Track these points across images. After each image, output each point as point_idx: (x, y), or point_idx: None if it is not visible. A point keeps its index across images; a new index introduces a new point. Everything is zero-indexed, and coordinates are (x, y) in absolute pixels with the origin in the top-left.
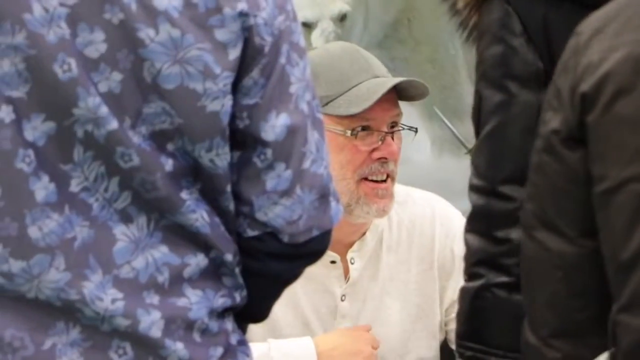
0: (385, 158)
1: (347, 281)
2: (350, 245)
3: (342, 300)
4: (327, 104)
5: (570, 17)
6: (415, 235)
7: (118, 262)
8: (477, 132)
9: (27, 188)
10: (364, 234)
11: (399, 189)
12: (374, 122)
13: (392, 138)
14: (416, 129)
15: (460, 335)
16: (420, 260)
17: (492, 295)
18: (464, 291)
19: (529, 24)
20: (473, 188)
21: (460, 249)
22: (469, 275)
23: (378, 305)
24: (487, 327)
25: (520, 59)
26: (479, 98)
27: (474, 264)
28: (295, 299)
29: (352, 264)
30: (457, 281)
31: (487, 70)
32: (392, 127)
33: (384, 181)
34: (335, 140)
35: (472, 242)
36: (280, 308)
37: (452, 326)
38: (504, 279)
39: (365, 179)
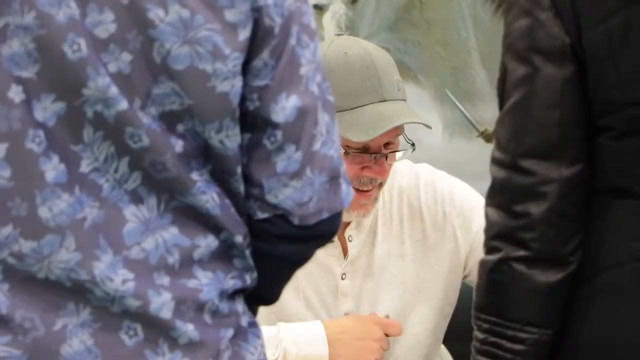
0: (374, 177)
1: (346, 259)
2: (347, 224)
3: (342, 279)
4: None
5: None
6: (404, 207)
7: (128, 243)
8: (501, 105)
9: (37, 168)
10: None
11: None
12: (372, 144)
13: (387, 157)
14: (413, 144)
15: (478, 308)
16: (412, 231)
17: (510, 269)
18: (482, 264)
19: None
20: (494, 161)
21: (451, 206)
22: (488, 248)
23: (378, 282)
24: (504, 300)
25: (546, 32)
26: (504, 70)
27: (492, 237)
28: (295, 280)
29: (350, 241)
30: (465, 233)
31: (513, 43)
32: (388, 145)
33: (368, 191)
34: None
35: (491, 216)
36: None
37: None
38: (522, 253)
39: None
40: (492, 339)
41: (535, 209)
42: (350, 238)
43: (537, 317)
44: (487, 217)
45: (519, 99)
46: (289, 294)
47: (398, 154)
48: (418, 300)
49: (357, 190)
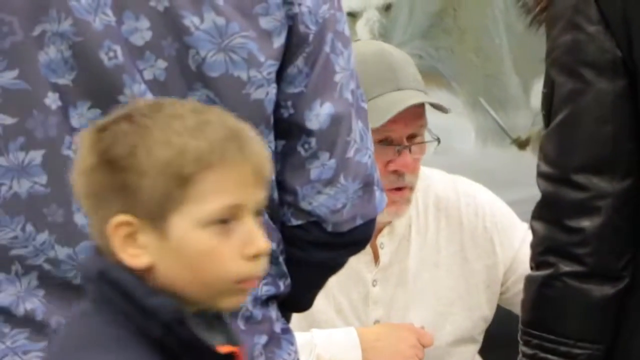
0: (399, 170)
1: (378, 266)
2: (380, 230)
3: (373, 286)
4: None
5: None
6: (442, 217)
7: None
8: (548, 119)
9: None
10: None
11: (420, 172)
12: (393, 134)
13: (410, 150)
14: (438, 139)
15: (526, 323)
16: (449, 242)
17: (563, 284)
18: (530, 279)
19: (607, 10)
20: (542, 175)
21: (492, 222)
22: (537, 263)
23: (410, 290)
24: (556, 315)
25: (597, 46)
26: (551, 85)
27: (543, 252)
28: (327, 286)
29: (381, 248)
30: (503, 250)
31: (561, 57)
32: (413, 137)
33: (400, 189)
34: None
35: (540, 230)
36: None
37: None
38: (576, 268)
39: None
40: (543, 354)
41: (589, 223)
42: (382, 245)
43: (591, 332)
44: (535, 231)
45: (569, 113)
46: (320, 300)
47: (427, 150)
48: (451, 312)
49: (387, 189)
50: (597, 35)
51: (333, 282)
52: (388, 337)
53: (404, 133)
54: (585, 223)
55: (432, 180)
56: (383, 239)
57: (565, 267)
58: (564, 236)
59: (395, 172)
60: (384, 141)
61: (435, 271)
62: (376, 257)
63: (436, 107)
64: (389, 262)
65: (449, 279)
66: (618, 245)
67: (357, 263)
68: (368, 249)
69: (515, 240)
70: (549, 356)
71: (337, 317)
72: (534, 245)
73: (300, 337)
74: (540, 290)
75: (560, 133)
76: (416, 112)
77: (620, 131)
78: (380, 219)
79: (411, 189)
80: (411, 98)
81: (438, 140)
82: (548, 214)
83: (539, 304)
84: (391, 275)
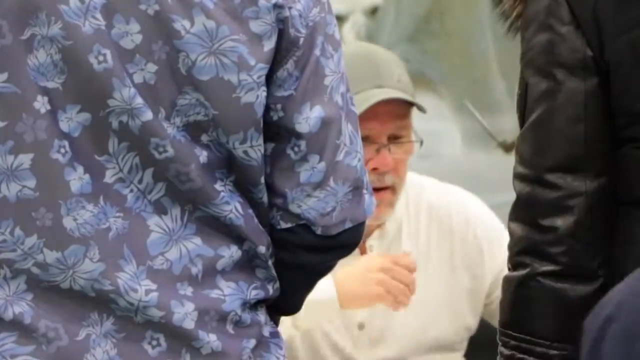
0: (378, 169)
1: None
2: (370, 233)
3: None
4: None
5: (620, 4)
6: (433, 224)
7: (152, 253)
8: (522, 120)
9: (62, 179)
10: (384, 222)
11: (413, 179)
12: (372, 133)
13: (389, 150)
14: (421, 140)
15: (504, 325)
16: (439, 249)
17: (538, 284)
18: (507, 280)
19: (578, 11)
20: (517, 176)
21: (482, 232)
22: (514, 264)
23: None
24: (532, 316)
25: (568, 46)
26: (524, 86)
27: (518, 252)
28: None
29: (370, 251)
30: (491, 262)
31: (534, 58)
32: (395, 138)
33: (381, 189)
34: None
35: (516, 231)
36: None
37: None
38: (550, 267)
39: None
40: (520, 355)
41: (563, 222)
42: (371, 248)
43: (566, 333)
44: (511, 233)
45: (541, 113)
46: None
47: (413, 152)
48: (436, 319)
49: None
50: (569, 35)
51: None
52: (357, 267)
53: (382, 132)
54: (559, 222)
55: (425, 188)
56: (373, 242)
57: (540, 267)
58: (539, 236)
59: (375, 170)
60: (363, 139)
61: (424, 276)
62: None
63: (415, 105)
64: None
65: (436, 285)
66: (592, 245)
67: (342, 265)
68: (356, 251)
69: (503, 252)
70: (526, 357)
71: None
72: (510, 247)
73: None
74: (516, 291)
75: (533, 133)
76: (396, 112)
77: (593, 130)
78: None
79: (393, 190)
80: (387, 95)
81: (421, 142)
82: (523, 214)
83: (516, 304)
84: None
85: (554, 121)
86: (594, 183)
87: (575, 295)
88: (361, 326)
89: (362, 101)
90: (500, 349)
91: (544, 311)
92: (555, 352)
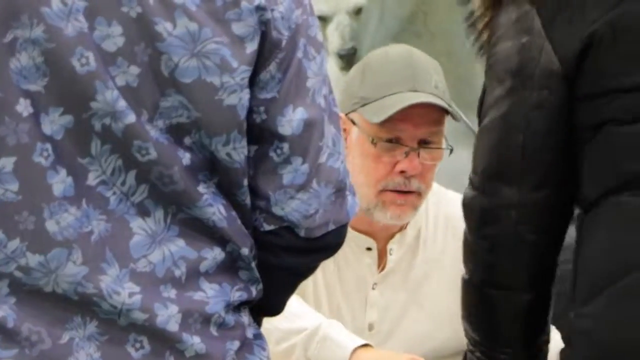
0: (406, 172)
1: (381, 270)
2: (392, 236)
3: (372, 289)
4: (363, 105)
5: None
6: (450, 235)
7: (135, 256)
8: (480, 125)
9: (44, 182)
10: (405, 226)
11: (434, 188)
12: (403, 135)
13: (418, 154)
14: (452, 148)
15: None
16: (454, 260)
17: (475, 291)
18: (461, 281)
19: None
20: (469, 181)
21: None
22: (465, 269)
23: (409, 299)
24: (479, 320)
25: (525, 56)
26: (483, 91)
27: (464, 258)
28: (331, 283)
29: (390, 254)
30: None
31: (493, 64)
32: (426, 144)
33: (406, 192)
34: (364, 145)
35: (465, 235)
36: (318, 289)
37: None
38: (485, 276)
39: (387, 189)
40: (477, 354)
41: (493, 232)
42: (391, 251)
43: (504, 339)
44: (464, 238)
45: (490, 119)
46: (322, 296)
47: (440, 158)
48: (442, 328)
49: (392, 191)
50: (529, 45)
51: (336, 282)
52: (383, 355)
53: (414, 135)
54: (490, 231)
55: (444, 197)
56: (394, 245)
57: (479, 275)
58: (477, 243)
59: (402, 173)
60: (393, 140)
61: (436, 285)
62: (381, 261)
63: (448, 113)
64: (392, 268)
65: (447, 293)
66: (522, 257)
67: (360, 264)
68: (374, 251)
69: None
70: (481, 356)
71: (337, 315)
72: (462, 251)
73: (312, 318)
74: (464, 297)
75: (480, 139)
76: (430, 117)
77: (532, 141)
78: (385, 222)
79: (419, 195)
80: (421, 99)
81: (451, 149)
82: (468, 220)
83: (465, 309)
84: (392, 281)
85: (496, 128)
86: (531, 195)
87: (509, 304)
88: (371, 327)
89: (396, 102)
90: (467, 350)
91: (485, 317)
92: (504, 356)
